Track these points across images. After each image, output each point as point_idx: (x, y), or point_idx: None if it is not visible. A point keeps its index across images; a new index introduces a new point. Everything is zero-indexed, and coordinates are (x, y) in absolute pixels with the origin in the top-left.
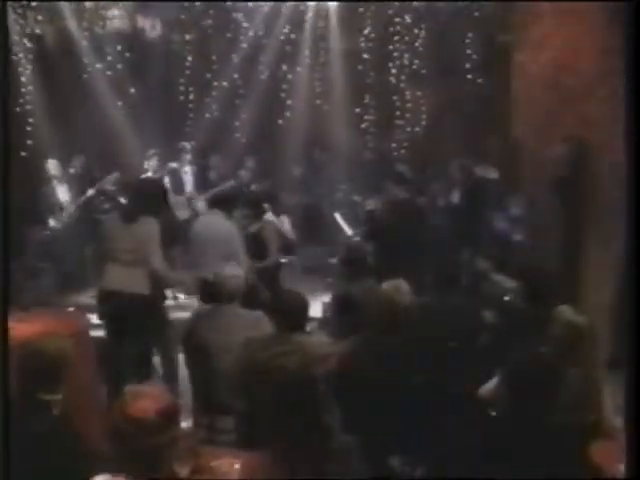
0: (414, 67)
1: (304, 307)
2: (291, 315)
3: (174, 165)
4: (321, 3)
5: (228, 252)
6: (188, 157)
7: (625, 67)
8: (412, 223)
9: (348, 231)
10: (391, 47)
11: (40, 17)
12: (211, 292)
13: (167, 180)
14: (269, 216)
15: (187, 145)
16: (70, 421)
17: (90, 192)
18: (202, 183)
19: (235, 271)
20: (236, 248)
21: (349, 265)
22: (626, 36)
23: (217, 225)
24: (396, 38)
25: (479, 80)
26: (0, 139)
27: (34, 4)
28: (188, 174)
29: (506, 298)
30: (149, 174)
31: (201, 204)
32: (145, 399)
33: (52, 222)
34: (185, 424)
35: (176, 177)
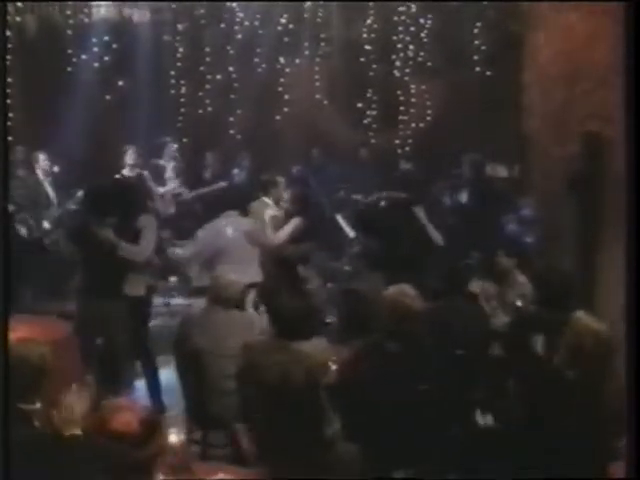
0: (419, 59)
1: (308, 314)
2: (293, 322)
3: (161, 162)
4: None
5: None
6: (172, 152)
7: (625, 68)
8: (401, 224)
9: (350, 233)
10: (395, 38)
11: (20, 4)
12: (209, 296)
13: (150, 176)
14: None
15: (169, 140)
16: (51, 432)
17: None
18: (195, 180)
19: (235, 276)
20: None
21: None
22: (626, 36)
23: (238, 226)
24: (400, 28)
25: (488, 72)
26: (0, 142)
27: None
28: (176, 170)
29: (518, 303)
30: (126, 171)
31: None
32: (126, 412)
33: (35, 225)
34: (177, 438)
35: (160, 173)
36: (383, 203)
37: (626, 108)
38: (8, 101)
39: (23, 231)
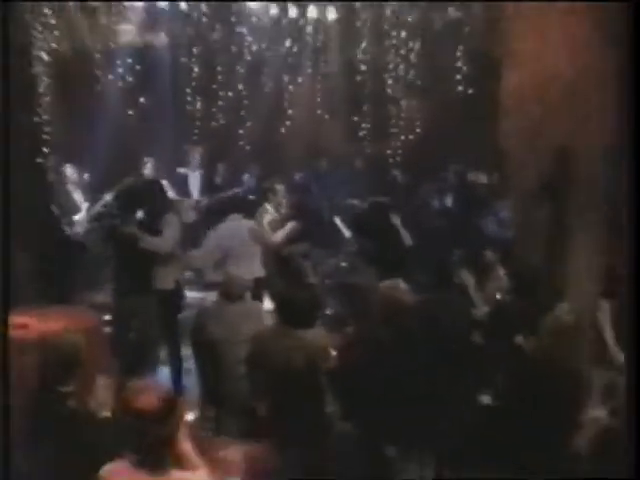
0: (408, 78)
1: (309, 306)
2: (296, 312)
3: (182, 170)
4: (320, 18)
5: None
6: (196, 162)
7: (626, 68)
8: (385, 226)
9: (347, 233)
10: (387, 59)
11: (57, 33)
12: (221, 290)
13: (172, 185)
14: (269, 213)
15: (194, 150)
16: (83, 411)
17: (107, 197)
18: (208, 188)
19: (243, 272)
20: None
21: None
22: (627, 36)
23: (242, 227)
24: (391, 51)
25: (469, 91)
26: (1, 141)
27: (52, 21)
28: (195, 179)
29: (497, 296)
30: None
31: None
32: (147, 392)
33: (69, 226)
34: (192, 416)
35: (183, 182)
36: (370, 207)
37: (627, 107)
38: (45, 117)
39: (69, 231)
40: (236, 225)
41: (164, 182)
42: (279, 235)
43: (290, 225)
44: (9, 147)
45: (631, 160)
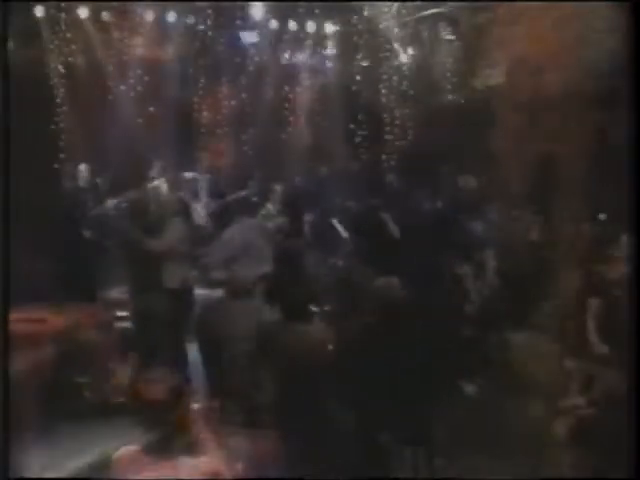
0: (402, 88)
1: (309, 300)
2: (297, 307)
3: (190, 175)
4: (319, 31)
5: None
6: (203, 167)
7: (626, 67)
8: (379, 226)
9: (344, 233)
10: (381, 70)
11: (74, 47)
12: (227, 287)
13: (181, 189)
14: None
15: (202, 156)
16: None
17: (114, 201)
18: (215, 191)
19: (251, 269)
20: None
21: None
22: (627, 36)
23: (248, 227)
24: (386, 62)
25: (460, 100)
26: (1, 143)
27: (69, 35)
28: (203, 183)
29: (485, 292)
30: (155, 183)
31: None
32: (157, 383)
33: (81, 227)
34: (197, 406)
35: (192, 186)
36: (365, 209)
37: (628, 105)
38: (62, 125)
39: (81, 231)
40: (243, 225)
41: (172, 186)
42: (270, 226)
43: (281, 218)
44: (9, 147)
45: (631, 158)
